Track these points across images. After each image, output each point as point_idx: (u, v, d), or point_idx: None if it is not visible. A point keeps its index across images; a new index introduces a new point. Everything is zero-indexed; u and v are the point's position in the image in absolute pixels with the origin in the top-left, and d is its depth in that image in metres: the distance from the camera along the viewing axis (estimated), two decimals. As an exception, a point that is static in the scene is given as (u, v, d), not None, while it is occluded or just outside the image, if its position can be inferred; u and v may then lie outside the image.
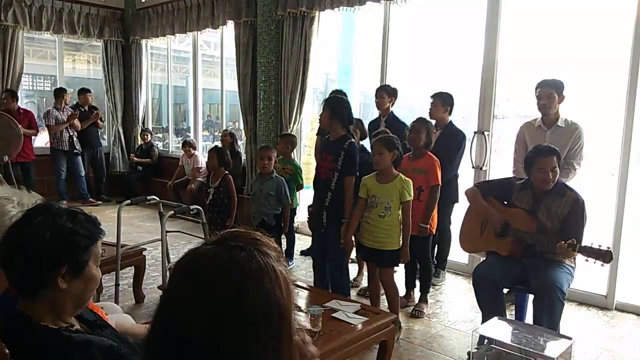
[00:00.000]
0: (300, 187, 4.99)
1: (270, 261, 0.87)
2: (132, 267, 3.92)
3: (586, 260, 2.73)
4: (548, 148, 3.03)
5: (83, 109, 7.51)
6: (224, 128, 7.16)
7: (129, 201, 3.67)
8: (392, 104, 4.59)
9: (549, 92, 3.62)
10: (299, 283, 3.34)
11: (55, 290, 1.26)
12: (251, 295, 0.82)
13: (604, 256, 2.66)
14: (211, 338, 0.81)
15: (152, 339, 0.87)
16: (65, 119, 7.06)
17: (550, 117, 3.69)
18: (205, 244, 0.90)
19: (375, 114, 4.83)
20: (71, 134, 7.16)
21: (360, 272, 4.47)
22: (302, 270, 4.84)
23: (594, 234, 3.05)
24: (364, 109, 7.87)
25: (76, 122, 7.17)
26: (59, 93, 7.17)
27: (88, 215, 1.34)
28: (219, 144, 6.48)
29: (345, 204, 3.44)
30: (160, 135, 9.10)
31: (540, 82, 3.68)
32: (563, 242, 2.74)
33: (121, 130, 8.33)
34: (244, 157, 6.57)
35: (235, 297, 0.82)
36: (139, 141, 8.24)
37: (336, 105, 3.52)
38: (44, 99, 9.13)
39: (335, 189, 3.47)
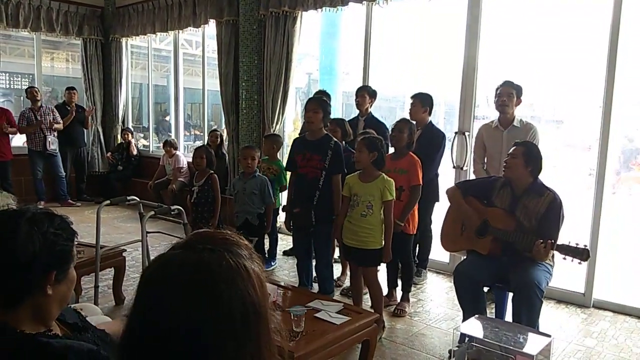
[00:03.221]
0: (283, 187, 4.97)
1: (242, 260, 0.85)
2: (112, 268, 3.88)
3: (564, 259, 2.77)
4: (509, 82, 3.34)
5: (68, 107, 7.40)
6: (208, 128, 7.09)
7: (108, 202, 3.64)
8: (371, 105, 4.65)
9: (510, 92, 3.83)
10: (281, 283, 3.35)
11: (41, 297, 1.24)
12: (225, 297, 0.81)
13: (582, 254, 2.70)
14: (188, 344, 0.79)
15: (126, 349, 0.84)
16: (39, 118, 6.89)
17: (507, 117, 3.87)
18: (172, 249, 0.87)
19: (354, 114, 4.85)
20: (46, 134, 6.98)
21: (343, 272, 4.48)
22: (284, 270, 4.83)
23: (573, 233, 3.09)
24: (347, 109, 7.87)
25: (55, 124, 7.03)
26: (27, 91, 7.01)
27: (61, 216, 1.32)
28: (200, 143, 6.42)
29: (334, 202, 3.55)
30: (141, 134, 9.01)
31: (503, 82, 3.87)
32: (540, 242, 2.78)
33: (100, 130, 8.21)
34: (227, 157, 6.52)
35: (209, 301, 0.80)
36: (119, 140, 8.15)
37: (326, 106, 3.66)
38: (22, 97, 8.96)
39: (323, 188, 3.56)
